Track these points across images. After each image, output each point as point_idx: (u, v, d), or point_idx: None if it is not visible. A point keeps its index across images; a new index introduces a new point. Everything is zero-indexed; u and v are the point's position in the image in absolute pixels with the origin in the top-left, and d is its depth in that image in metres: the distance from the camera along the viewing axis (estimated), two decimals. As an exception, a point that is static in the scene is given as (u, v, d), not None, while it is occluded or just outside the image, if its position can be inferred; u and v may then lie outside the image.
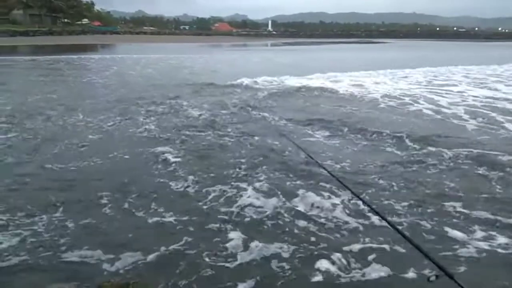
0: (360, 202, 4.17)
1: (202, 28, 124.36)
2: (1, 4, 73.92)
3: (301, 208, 4.31)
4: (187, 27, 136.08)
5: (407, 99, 11.54)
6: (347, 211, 4.23)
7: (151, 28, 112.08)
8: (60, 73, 18.15)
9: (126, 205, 4.33)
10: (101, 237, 3.68)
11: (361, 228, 3.91)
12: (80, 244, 3.53)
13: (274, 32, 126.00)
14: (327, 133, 7.50)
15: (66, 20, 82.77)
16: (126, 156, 6.00)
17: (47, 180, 5.04)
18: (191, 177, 5.14)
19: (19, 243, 3.53)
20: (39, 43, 46.04)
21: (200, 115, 9.01)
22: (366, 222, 4.00)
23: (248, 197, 4.55)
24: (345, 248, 3.51)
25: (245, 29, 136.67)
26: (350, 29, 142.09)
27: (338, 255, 3.39)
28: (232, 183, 4.99)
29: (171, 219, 4.03)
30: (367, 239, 3.67)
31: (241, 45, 59.34)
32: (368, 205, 2.07)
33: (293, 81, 15.14)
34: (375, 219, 3.98)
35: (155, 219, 4.03)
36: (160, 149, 6.33)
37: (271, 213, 4.18)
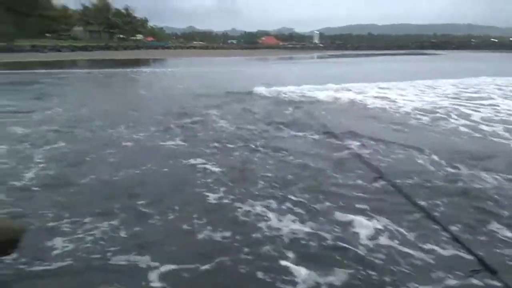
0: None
1: (249, 42, 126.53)
2: (64, 21, 79.87)
3: (344, 231, 4.09)
4: (234, 41, 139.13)
5: (439, 114, 10.86)
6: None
7: (200, 42, 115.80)
8: (112, 85, 19.13)
9: (171, 216, 4.34)
10: (148, 245, 3.72)
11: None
12: (129, 250, 3.61)
13: (320, 45, 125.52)
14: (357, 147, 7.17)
15: (122, 36, 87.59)
16: (165, 168, 6.03)
17: (91, 190, 5.16)
18: (222, 189, 5.06)
19: (70, 248, 3.66)
20: (96, 58, 49.09)
21: (238, 127, 9.00)
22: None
23: (285, 215, 4.36)
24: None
25: (292, 42, 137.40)
26: (400, 40, 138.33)
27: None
28: (270, 200, 4.79)
29: (210, 232, 3.96)
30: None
31: (286, 58, 59.55)
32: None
33: (326, 93, 14.87)
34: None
35: (197, 232, 3.98)
36: (194, 161, 6.34)
37: (311, 234, 3.94)
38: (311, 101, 13.17)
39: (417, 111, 10.99)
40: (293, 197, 4.86)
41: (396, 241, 3.76)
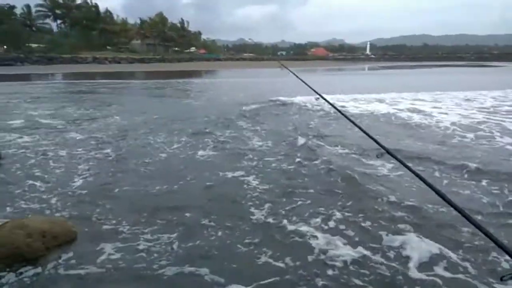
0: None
1: (298, 53, 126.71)
2: (123, 35, 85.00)
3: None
4: (284, 53, 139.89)
5: (482, 131, 10.27)
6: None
7: (250, 54, 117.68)
8: (164, 95, 20.11)
9: (219, 233, 4.33)
10: (197, 259, 3.76)
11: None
12: (178, 263, 3.68)
13: (372, 56, 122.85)
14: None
15: (176, 48, 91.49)
16: (207, 180, 6.25)
17: (134, 199, 5.38)
18: (267, 205, 5.12)
19: (122, 257, 3.80)
20: (152, 69, 51.70)
21: (277, 138, 9.15)
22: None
23: (334, 235, 4.21)
24: None
25: (342, 53, 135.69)
26: (457, 51, 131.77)
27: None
28: (316, 218, 4.66)
29: (261, 253, 3.89)
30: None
31: (335, 69, 59.05)
32: None
33: (368, 105, 14.61)
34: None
35: (247, 251, 3.94)
36: (234, 173, 6.50)
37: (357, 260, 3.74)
38: (348, 113, 13.05)
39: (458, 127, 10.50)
40: (340, 216, 4.69)
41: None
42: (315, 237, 4.19)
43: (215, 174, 6.47)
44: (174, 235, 4.24)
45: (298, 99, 15.81)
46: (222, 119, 11.84)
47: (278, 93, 18.55)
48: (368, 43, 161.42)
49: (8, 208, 4.93)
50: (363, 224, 4.49)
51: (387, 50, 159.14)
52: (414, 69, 60.03)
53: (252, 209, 4.96)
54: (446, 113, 12.87)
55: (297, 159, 7.30)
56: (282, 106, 14.84)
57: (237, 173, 6.47)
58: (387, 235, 4.19)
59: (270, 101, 15.86)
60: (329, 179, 6.20)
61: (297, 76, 3.64)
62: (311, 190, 5.65)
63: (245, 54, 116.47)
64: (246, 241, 4.13)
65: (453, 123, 11.02)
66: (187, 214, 4.79)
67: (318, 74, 47.20)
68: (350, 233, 4.28)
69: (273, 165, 7.00)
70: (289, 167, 6.87)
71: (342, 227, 4.43)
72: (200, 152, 7.89)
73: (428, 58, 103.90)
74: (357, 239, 4.14)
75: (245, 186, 5.91)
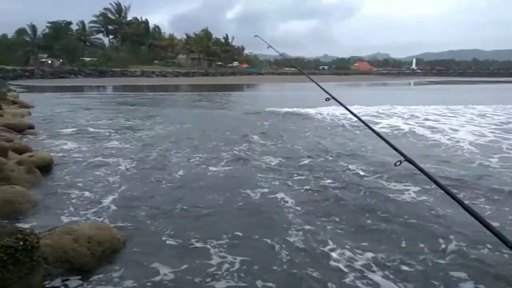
0: None
1: (340, 68, 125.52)
2: (170, 50, 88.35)
3: None
4: (326, 67, 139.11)
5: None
6: None
7: (292, 68, 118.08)
8: (205, 107, 20.61)
9: (263, 255, 4.13)
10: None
11: None
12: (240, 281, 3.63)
13: (418, 71, 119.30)
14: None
15: (220, 62, 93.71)
16: (240, 200, 6.28)
17: (182, 215, 5.36)
18: (308, 228, 4.87)
19: (177, 277, 3.72)
20: (196, 83, 53.19)
21: (311, 152, 9.04)
22: None
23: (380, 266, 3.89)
24: None
25: (386, 68, 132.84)
26: (510, 67, 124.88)
27: None
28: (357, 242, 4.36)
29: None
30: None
31: (379, 84, 57.84)
32: None
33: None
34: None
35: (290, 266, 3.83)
36: (267, 190, 6.48)
37: None
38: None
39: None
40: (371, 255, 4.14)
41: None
42: (357, 264, 3.93)
43: (248, 189, 6.45)
44: (214, 257, 4.05)
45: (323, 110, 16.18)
46: (256, 130, 11.98)
47: (307, 104, 18.99)
48: (414, 58, 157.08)
49: (59, 214, 5.18)
50: (405, 268, 3.88)
51: (434, 65, 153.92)
52: (464, 84, 57.50)
53: (291, 231, 4.77)
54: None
55: (324, 174, 7.16)
56: (307, 118, 15.10)
57: (269, 189, 6.45)
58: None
59: (292, 113, 16.47)
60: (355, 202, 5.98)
61: (322, 88, 3.57)
62: (351, 214, 5.35)
63: (286, 69, 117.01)
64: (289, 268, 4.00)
65: None
66: (227, 235, 4.55)
67: (359, 89, 46.40)
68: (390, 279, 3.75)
69: (310, 182, 6.91)
70: (322, 182, 6.75)
71: (374, 268, 3.90)
72: (233, 166, 7.94)
73: (478, 74, 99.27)
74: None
75: (278, 202, 5.80)
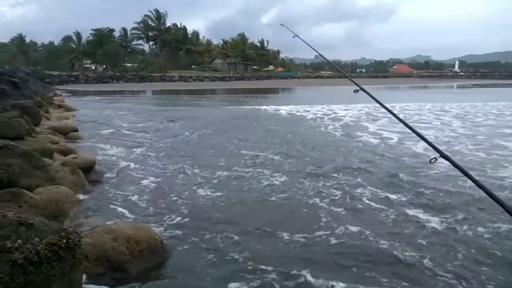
0: None
1: (379, 71, 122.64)
2: (207, 55, 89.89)
3: None
4: (363, 70, 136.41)
5: None
6: None
7: (328, 72, 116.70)
8: (232, 112, 20.72)
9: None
10: None
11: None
12: None
13: (461, 73, 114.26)
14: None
15: (255, 67, 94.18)
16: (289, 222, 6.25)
17: (223, 220, 5.29)
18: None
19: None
20: (231, 87, 53.69)
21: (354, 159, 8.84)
22: None
23: None
24: None
25: (427, 71, 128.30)
26: None
27: None
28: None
29: None
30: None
31: (420, 87, 55.89)
32: None
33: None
34: None
35: None
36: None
37: None
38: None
39: None
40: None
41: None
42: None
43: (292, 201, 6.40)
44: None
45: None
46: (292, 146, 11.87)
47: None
48: (457, 60, 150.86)
49: (100, 214, 5.36)
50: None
51: (478, 67, 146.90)
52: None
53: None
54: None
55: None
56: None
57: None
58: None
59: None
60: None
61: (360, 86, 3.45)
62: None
63: (322, 72, 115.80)
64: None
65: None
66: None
67: (398, 92, 45.06)
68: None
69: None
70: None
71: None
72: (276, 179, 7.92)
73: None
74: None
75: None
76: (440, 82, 76.89)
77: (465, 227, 4.85)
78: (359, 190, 6.38)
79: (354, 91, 3.53)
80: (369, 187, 6.49)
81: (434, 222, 5.03)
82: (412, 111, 20.25)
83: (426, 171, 7.40)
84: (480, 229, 4.77)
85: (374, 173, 7.39)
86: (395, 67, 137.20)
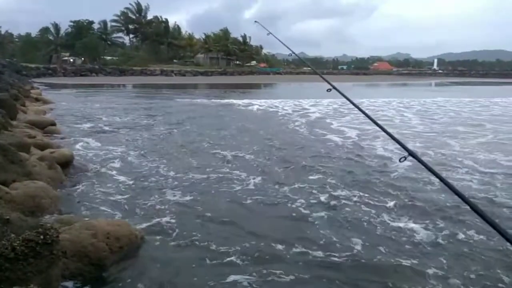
0: None
1: (360, 68, 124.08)
2: (189, 49, 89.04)
3: None
4: (344, 67, 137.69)
5: None
6: None
7: (309, 68, 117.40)
8: (211, 107, 20.68)
9: None
10: None
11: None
12: None
13: (439, 71, 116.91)
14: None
15: (238, 62, 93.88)
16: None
17: (202, 215, 5.52)
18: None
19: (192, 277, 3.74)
20: (214, 82, 53.41)
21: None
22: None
23: None
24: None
25: (407, 68, 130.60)
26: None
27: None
28: None
29: None
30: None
31: (399, 85, 56.85)
32: None
33: None
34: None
35: None
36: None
37: None
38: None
39: None
40: None
41: None
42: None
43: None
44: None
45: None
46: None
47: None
48: (436, 58, 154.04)
49: (79, 209, 5.28)
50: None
51: (456, 65, 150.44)
52: (489, 85, 56.04)
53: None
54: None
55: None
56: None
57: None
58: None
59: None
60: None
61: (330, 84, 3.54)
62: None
63: (304, 68, 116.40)
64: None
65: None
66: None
67: (377, 90, 45.71)
68: None
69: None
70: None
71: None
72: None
73: (501, 75, 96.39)
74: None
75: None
76: (419, 79, 78.37)
77: (445, 231, 4.78)
78: (334, 192, 6.20)
79: (327, 90, 3.61)
80: (344, 189, 6.36)
81: (412, 224, 4.99)
82: (378, 107, 20.85)
83: (395, 170, 7.48)
84: (457, 230, 4.78)
85: (346, 174, 7.29)
86: (375, 64, 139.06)
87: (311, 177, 7.00)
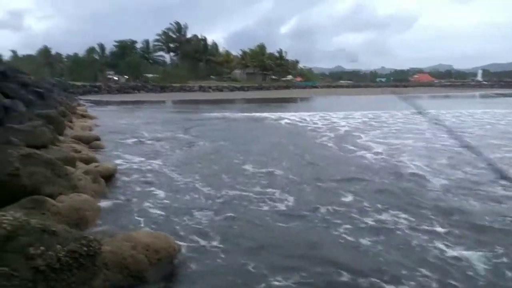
0: None
1: (399, 80, 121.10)
2: (226, 66, 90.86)
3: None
4: (383, 79, 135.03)
5: None
6: None
7: (348, 81, 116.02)
8: (249, 122, 20.79)
9: None
10: None
11: None
12: None
13: (484, 82, 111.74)
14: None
15: (274, 77, 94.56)
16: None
17: (238, 232, 5.54)
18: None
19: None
20: (250, 97, 53.98)
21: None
22: None
23: None
24: None
25: (449, 80, 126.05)
26: None
27: None
28: None
29: None
30: None
31: (441, 97, 54.89)
32: None
33: None
34: None
35: None
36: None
37: None
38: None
39: None
40: None
41: None
42: None
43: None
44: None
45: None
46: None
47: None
48: (480, 69, 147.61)
49: (120, 221, 5.44)
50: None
51: (502, 76, 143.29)
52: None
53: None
54: None
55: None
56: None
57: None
58: None
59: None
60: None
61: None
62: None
63: (341, 81, 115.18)
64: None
65: None
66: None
67: (421, 101, 44.24)
68: None
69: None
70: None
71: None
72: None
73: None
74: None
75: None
76: (463, 91, 75.24)
77: (504, 259, 4.37)
78: (377, 215, 5.80)
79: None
80: (385, 211, 5.95)
81: (468, 252, 4.55)
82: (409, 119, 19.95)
83: (433, 189, 7.10)
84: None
85: (384, 195, 6.86)
86: (416, 76, 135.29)
87: (346, 199, 6.61)
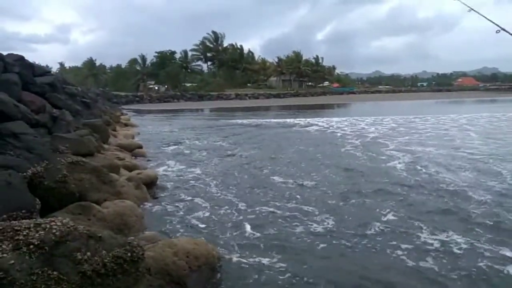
0: None
1: (441, 84, 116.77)
2: (262, 73, 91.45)
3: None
4: (424, 84, 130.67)
5: None
6: None
7: (387, 86, 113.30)
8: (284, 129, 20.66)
9: None
10: None
11: None
12: None
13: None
14: None
15: (310, 83, 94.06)
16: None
17: (280, 239, 5.51)
18: None
19: None
20: (286, 104, 53.93)
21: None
22: None
23: None
24: None
25: (495, 83, 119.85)
26: None
27: None
28: None
29: None
30: None
31: (487, 101, 52.18)
32: None
33: None
34: None
35: None
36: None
37: None
38: None
39: None
40: None
41: None
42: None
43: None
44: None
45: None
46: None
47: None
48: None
49: (161, 228, 5.53)
50: None
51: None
52: None
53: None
54: None
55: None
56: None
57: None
58: None
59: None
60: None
61: None
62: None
63: (380, 87, 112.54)
64: None
65: None
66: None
67: (465, 106, 42.34)
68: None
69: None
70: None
71: None
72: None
73: None
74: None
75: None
76: (511, 95, 71.20)
77: None
78: (437, 236, 5.16)
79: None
80: (438, 231, 5.32)
81: None
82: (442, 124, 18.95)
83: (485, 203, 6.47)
84: None
85: (430, 211, 6.19)
86: (459, 80, 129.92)
87: (389, 217, 5.90)
